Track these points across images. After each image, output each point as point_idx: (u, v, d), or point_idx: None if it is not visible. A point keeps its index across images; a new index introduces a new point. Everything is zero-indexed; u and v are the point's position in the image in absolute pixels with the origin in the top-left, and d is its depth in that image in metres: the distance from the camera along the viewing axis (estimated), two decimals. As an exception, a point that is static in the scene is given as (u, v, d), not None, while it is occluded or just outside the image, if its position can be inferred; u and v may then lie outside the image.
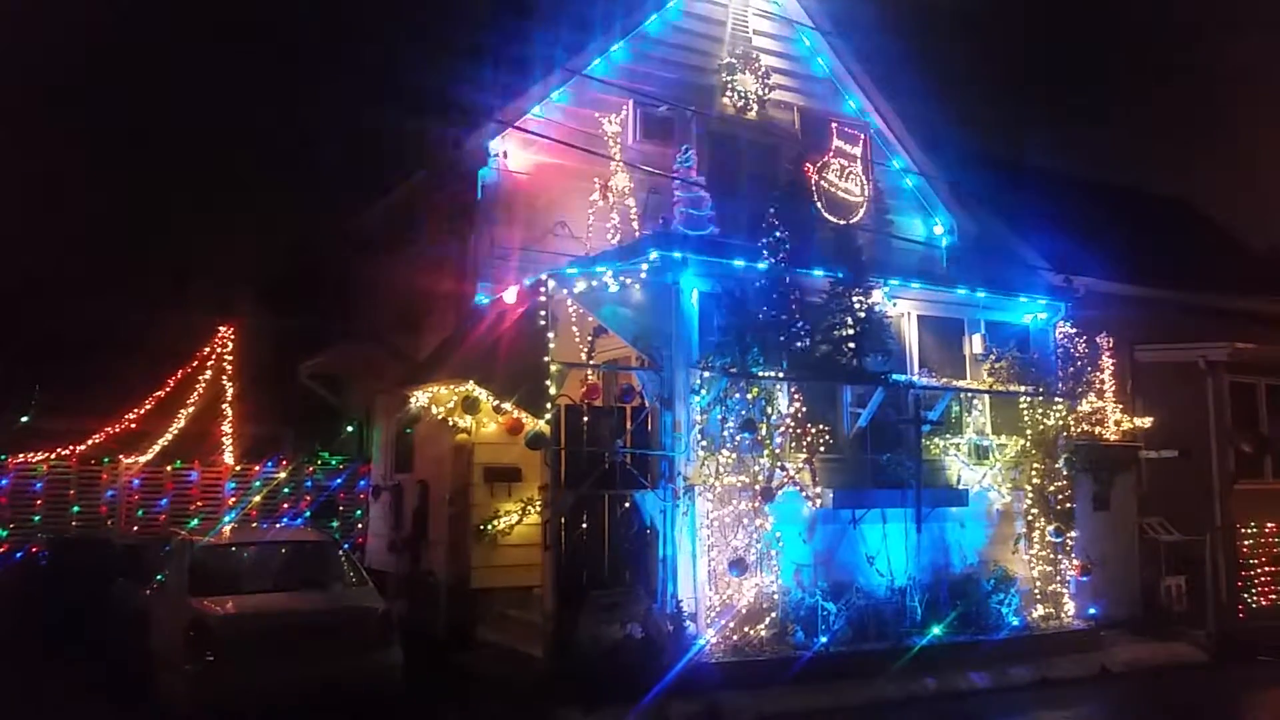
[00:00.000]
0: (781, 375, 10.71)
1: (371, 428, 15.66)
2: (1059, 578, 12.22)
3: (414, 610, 12.41)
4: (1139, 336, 15.85)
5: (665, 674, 9.43)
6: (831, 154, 14.52)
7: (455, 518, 12.35)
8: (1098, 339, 14.07)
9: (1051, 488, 12.31)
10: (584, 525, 10.27)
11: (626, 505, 10.46)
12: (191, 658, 8.64)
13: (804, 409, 10.82)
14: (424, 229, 14.46)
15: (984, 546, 12.01)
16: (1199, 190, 37.01)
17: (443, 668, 10.96)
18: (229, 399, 15.92)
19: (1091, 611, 12.40)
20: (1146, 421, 14.67)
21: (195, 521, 13.84)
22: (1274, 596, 14.33)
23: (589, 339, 11.44)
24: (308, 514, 15.16)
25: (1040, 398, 12.36)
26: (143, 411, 15.53)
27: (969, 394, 12.27)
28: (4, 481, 14.04)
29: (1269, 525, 14.49)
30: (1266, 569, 14.35)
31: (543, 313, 10.38)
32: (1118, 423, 14.24)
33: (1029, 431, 12.31)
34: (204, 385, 15.95)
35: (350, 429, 16.45)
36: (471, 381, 11.23)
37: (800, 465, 10.71)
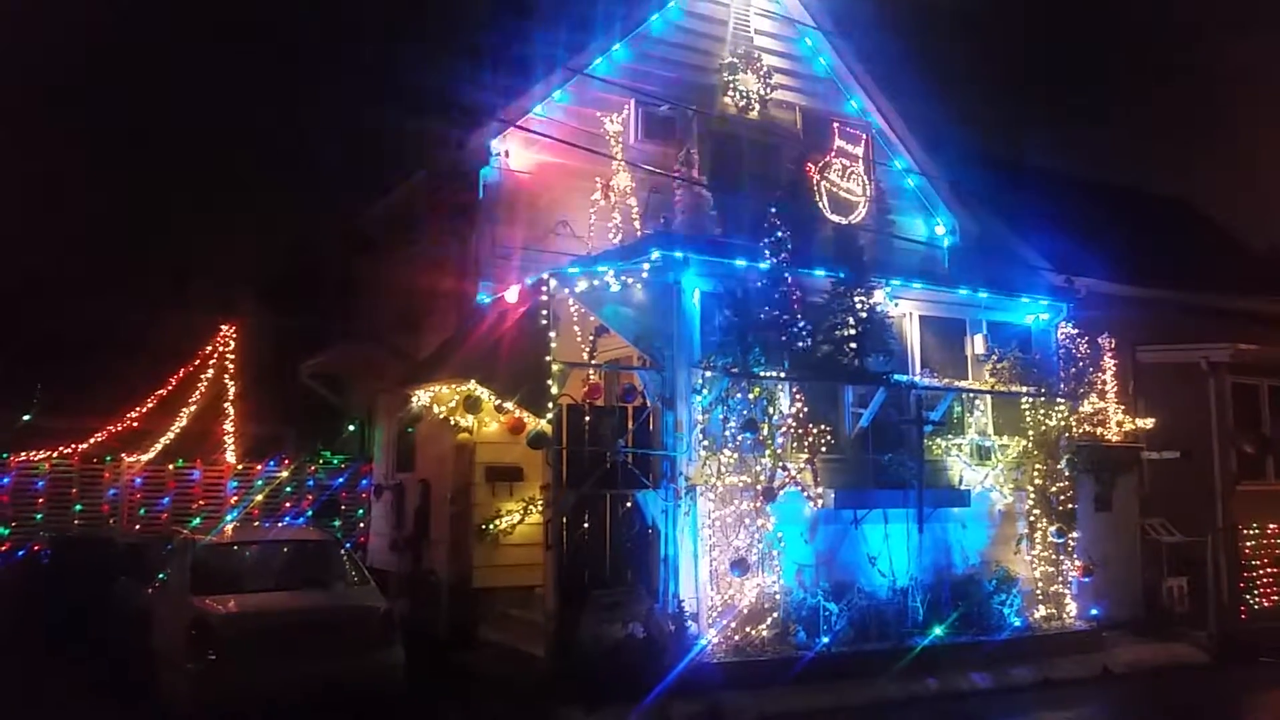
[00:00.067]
0: (783, 375, 10.71)
1: (373, 427, 15.67)
2: (1061, 578, 12.21)
3: (416, 609, 12.41)
4: (1140, 337, 15.84)
5: (667, 674, 9.43)
6: (833, 154, 14.50)
7: (457, 517, 12.35)
8: (1099, 339, 14.05)
9: (1053, 488, 12.30)
10: (586, 525, 10.26)
11: (628, 505, 10.45)
12: (193, 656, 8.64)
13: (806, 409, 10.81)
14: (425, 228, 14.43)
15: (986, 547, 12.00)
16: (1199, 190, 37.11)
17: (444, 667, 10.96)
18: (230, 398, 15.93)
19: (1093, 612, 12.40)
20: (1148, 422, 14.66)
21: (197, 520, 13.82)
22: (1276, 598, 14.30)
23: (591, 338, 11.44)
24: (310, 513, 15.17)
25: (1042, 398, 12.35)
26: (144, 410, 15.55)
27: (971, 394, 12.26)
28: (6, 480, 14.04)
29: (1271, 526, 14.46)
30: (1268, 570, 14.32)
31: (544, 312, 10.37)
32: (1119, 423, 14.23)
33: (1031, 432, 12.30)
34: (205, 384, 15.98)
35: (352, 428, 16.45)
36: (473, 381, 11.23)
37: (802, 465, 10.70)
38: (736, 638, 10.14)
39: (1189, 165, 39.76)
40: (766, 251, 10.81)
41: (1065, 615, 12.14)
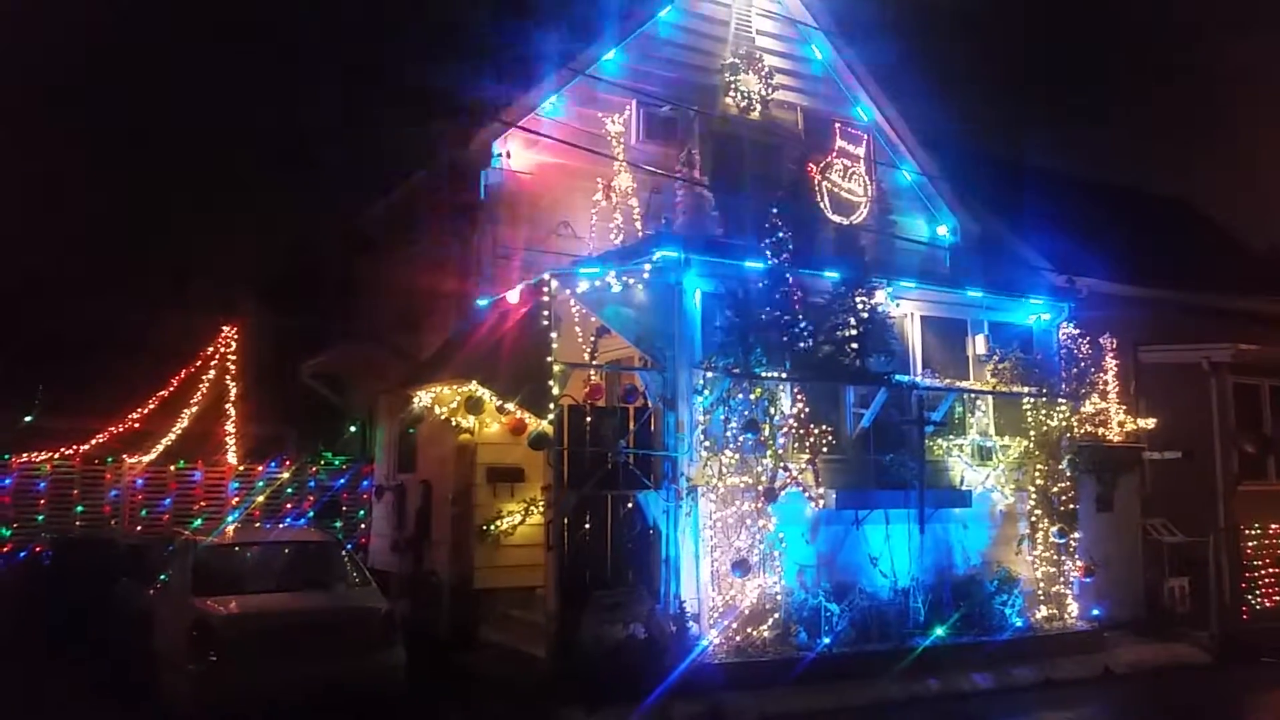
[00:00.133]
0: (784, 376, 10.71)
1: (374, 428, 15.66)
2: (1062, 579, 12.21)
3: (417, 610, 12.40)
4: (1140, 337, 15.85)
5: (668, 674, 9.43)
6: (835, 154, 14.49)
7: (458, 518, 12.34)
8: (1101, 340, 14.04)
9: (1055, 489, 12.30)
10: (587, 526, 10.26)
11: (629, 506, 10.45)
12: (195, 658, 8.64)
13: (807, 409, 10.82)
14: (426, 229, 14.42)
15: (987, 547, 12.00)
16: (1199, 190, 37.10)
17: (445, 668, 10.95)
18: (232, 399, 15.91)
19: (1095, 613, 12.39)
20: (1150, 423, 14.66)
21: (198, 521, 13.85)
22: (1278, 598, 14.28)
23: (592, 339, 11.43)
24: (311, 514, 15.16)
25: (1043, 399, 12.35)
26: (146, 411, 15.54)
27: (972, 395, 12.26)
28: (8, 481, 14.03)
29: (1273, 527, 14.44)
30: (1270, 570, 14.30)
31: (546, 313, 10.36)
32: (1121, 424, 14.22)
33: (1032, 432, 12.30)
34: (207, 385, 15.94)
35: (353, 429, 16.44)
36: (474, 382, 11.23)
37: (803, 466, 10.70)
38: (738, 638, 10.14)
39: (1189, 165, 39.81)
40: (768, 252, 10.81)
41: (1067, 615, 12.14)
